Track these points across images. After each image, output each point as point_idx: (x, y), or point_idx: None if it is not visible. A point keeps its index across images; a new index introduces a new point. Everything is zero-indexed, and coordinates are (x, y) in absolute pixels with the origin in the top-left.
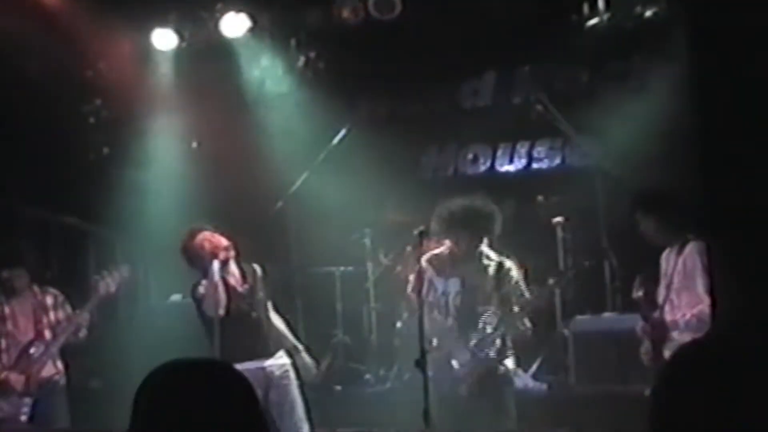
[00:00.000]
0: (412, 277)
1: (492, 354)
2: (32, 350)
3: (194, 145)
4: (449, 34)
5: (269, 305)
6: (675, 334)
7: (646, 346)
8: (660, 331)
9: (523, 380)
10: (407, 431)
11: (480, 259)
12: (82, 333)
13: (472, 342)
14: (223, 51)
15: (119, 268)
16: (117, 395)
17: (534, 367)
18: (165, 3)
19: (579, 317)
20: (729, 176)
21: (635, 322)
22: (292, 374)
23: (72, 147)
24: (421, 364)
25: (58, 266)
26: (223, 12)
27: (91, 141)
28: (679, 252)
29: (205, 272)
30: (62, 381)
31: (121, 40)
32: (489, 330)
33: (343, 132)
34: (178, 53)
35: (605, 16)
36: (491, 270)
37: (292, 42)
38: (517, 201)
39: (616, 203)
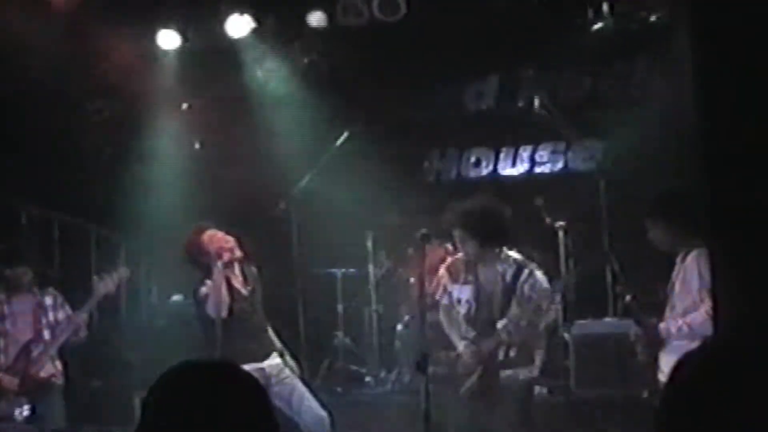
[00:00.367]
0: (429, 280)
1: (503, 358)
2: (31, 350)
3: (197, 145)
4: (453, 36)
5: None
6: (667, 340)
7: (640, 349)
8: (652, 337)
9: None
10: None
11: (499, 263)
12: (82, 332)
13: (487, 345)
14: (227, 52)
15: (118, 269)
16: (117, 395)
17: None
18: (170, 4)
19: (580, 321)
20: (733, 179)
21: None
22: (289, 372)
23: (75, 146)
24: (422, 366)
25: (60, 266)
26: (227, 13)
27: (94, 141)
28: (683, 259)
29: (209, 272)
30: (60, 381)
31: (126, 40)
32: (504, 335)
33: (344, 136)
34: (182, 54)
35: (609, 20)
36: (510, 274)
37: (296, 44)
38: (519, 205)
39: (619, 207)
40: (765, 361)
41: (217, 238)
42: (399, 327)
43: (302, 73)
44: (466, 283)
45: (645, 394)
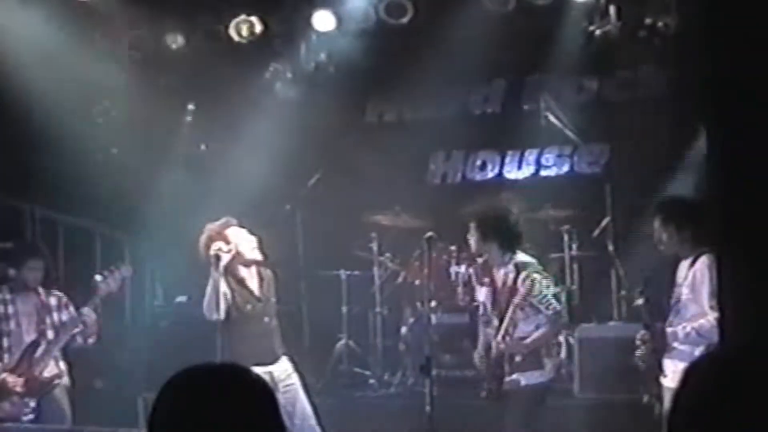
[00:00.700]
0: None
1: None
2: (35, 350)
3: (203, 147)
4: (460, 40)
5: None
6: (674, 345)
7: (641, 351)
8: (659, 341)
9: None
10: None
11: (510, 267)
12: (92, 339)
13: (501, 348)
14: (233, 54)
15: (121, 268)
16: (122, 396)
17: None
18: (176, 5)
19: (584, 325)
20: (740, 184)
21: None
22: (295, 378)
23: (81, 147)
24: (426, 369)
25: (65, 266)
26: (234, 15)
27: (99, 141)
28: (692, 264)
29: (216, 267)
30: (65, 382)
31: (132, 41)
32: (519, 335)
33: (349, 138)
34: (189, 55)
35: (616, 26)
36: (521, 277)
37: (303, 46)
38: (525, 208)
39: (624, 211)
40: None
41: (242, 235)
42: (403, 329)
43: (309, 75)
44: (482, 285)
45: (646, 399)
